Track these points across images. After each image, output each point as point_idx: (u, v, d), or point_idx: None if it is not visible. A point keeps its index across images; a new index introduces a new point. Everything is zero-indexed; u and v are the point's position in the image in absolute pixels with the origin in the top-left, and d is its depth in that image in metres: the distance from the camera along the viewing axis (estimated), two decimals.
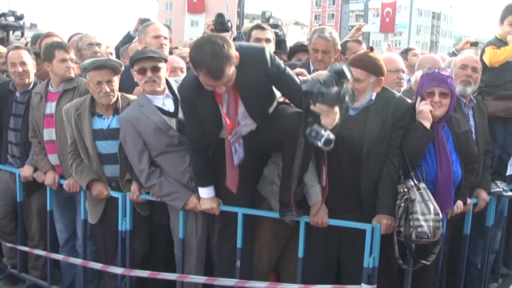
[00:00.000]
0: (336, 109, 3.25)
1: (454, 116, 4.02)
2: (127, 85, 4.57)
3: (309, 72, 4.60)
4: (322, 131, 3.22)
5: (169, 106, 4.08)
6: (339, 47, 5.09)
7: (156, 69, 4.02)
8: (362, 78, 3.72)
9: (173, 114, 4.05)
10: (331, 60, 4.98)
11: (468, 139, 4.04)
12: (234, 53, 3.25)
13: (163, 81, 4.09)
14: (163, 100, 4.08)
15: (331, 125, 3.26)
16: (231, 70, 3.24)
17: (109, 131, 4.32)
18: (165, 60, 4.16)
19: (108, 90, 4.20)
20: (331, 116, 3.24)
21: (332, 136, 3.21)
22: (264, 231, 4.13)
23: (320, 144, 3.22)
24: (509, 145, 4.77)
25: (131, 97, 4.44)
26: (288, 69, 3.59)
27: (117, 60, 4.62)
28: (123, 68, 4.35)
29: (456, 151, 3.92)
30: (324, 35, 4.94)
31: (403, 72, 4.78)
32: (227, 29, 5.63)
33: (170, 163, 4.05)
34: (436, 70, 3.89)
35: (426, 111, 3.77)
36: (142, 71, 4.02)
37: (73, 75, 4.67)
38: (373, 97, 3.81)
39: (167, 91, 4.11)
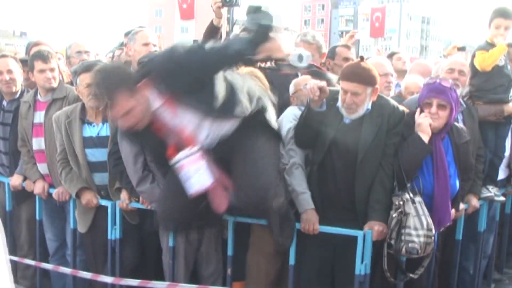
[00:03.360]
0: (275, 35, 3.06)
1: (455, 126, 3.96)
2: None
3: (297, 76, 4.57)
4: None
5: None
6: (323, 50, 5.00)
7: None
8: (360, 91, 3.67)
9: None
10: (317, 63, 4.91)
11: (467, 150, 3.98)
12: (131, 78, 3.00)
13: None
14: None
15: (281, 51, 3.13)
16: (125, 97, 2.94)
17: (98, 139, 4.30)
18: None
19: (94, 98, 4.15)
20: (274, 45, 3.05)
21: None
22: (264, 241, 4.09)
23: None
24: (501, 150, 4.76)
25: None
26: (206, 47, 3.10)
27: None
28: None
29: (455, 163, 3.87)
30: (306, 39, 4.87)
31: (392, 75, 4.78)
32: (235, 3, 5.38)
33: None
34: (437, 81, 3.82)
35: (426, 125, 3.71)
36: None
37: (54, 85, 4.63)
38: (369, 106, 3.79)
39: None
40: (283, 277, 4.18)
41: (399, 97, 4.78)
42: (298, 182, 3.85)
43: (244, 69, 4.06)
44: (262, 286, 4.08)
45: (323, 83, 3.72)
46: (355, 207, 3.81)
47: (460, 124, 4.16)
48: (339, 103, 3.78)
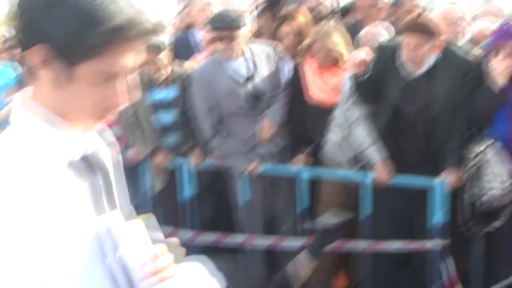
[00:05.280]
0: None
1: None
2: (183, 53, 4.57)
3: (358, 31, 4.44)
4: None
5: (244, 70, 4.04)
6: (383, 2, 4.87)
7: (231, 39, 3.93)
8: (422, 43, 3.56)
9: (247, 79, 4.02)
10: (379, 14, 4.78)
11: None
12: None
13: (239, 47, 4.00)
14: (239, 64, 4.03)
15: None
16: None
17: (168, 101, 4.34)
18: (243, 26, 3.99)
19: (154, 70, 4.21)
20: None
21: None
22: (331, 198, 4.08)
23: None
24: None
25: (187, 65, 4.44)
26: None
27: (158, 39, 4.52)
28: (171, 40, 4.32)
29: None
30: None
31: (463, 21, 4.59)
32: None
33: (237, 126, 4.07)
34: (510, 23, 3.58)
35: (501, 70, 3.50)
36: (217, 40, 3.95)
37: None
38: (438, 56, 3.66)
39: (244, 56, 4.05)
40: (356, 228, 4.20)
41: (471, 43, 4.61)
42: (365, 134, 3.82)
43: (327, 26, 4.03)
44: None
45: (366, 56, 3.65)
46: (430, 158, 3.73)
47: None
48: (403, 57, 3.68)
